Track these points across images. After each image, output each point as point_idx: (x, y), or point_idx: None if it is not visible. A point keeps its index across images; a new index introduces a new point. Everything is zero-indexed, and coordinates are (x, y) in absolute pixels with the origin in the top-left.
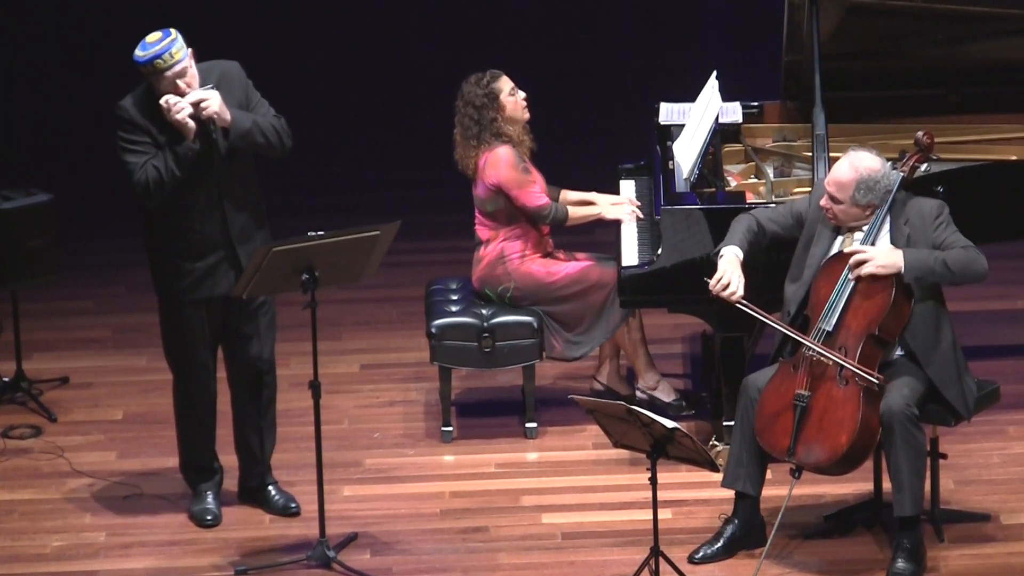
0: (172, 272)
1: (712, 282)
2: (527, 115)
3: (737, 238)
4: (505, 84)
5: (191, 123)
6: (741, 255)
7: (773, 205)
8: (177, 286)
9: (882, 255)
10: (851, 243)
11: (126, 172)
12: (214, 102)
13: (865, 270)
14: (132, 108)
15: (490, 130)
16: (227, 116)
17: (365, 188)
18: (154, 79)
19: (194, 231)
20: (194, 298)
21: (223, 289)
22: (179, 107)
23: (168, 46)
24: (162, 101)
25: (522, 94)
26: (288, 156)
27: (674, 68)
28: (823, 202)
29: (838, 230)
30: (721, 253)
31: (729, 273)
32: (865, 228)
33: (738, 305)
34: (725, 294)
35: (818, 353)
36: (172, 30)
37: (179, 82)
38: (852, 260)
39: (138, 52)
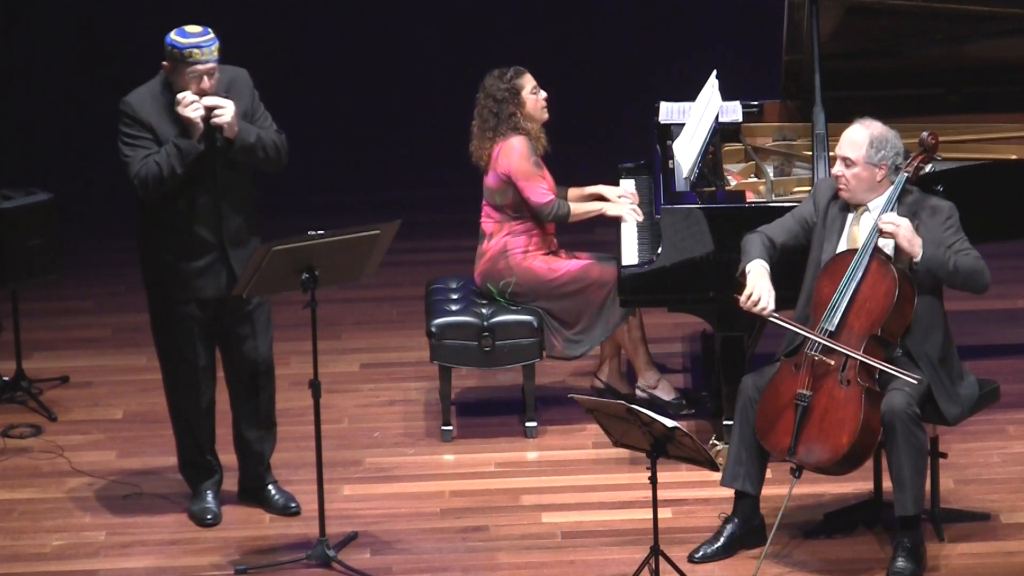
0: (163, 270)
1: (743, 298)
2: (546, 115)
3: (757, 252)
4: (528, 81)
5: (200, 123)
6: (768, 267)
7: (774, 210)
8: (166, 285)
9: (912, 233)
10: (859, 223)
11: (124, 165)
12: (228, 113)
13: (898, 232)
14: (137, 103)
15: (508, 124)
16: (235, 128)
17: (365, 188)
18: (180, 68)
19: (189, 232)
20: (182, 297)
21: (213, 291)
22: (195, 106)
23: (208, 42)
24: (180, 96)
25: (543, 94)
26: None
27: (674, 68)
28: (835, 171)
29: (847, 208)
30: (748, 269)
31: (759, 288)
32: (872, 204)
33: (770, 319)
34: (756, 309)
35: (864, 360)
36: (209, 29)
37: (205, 79)
38: (888, 217)
39: (175, 37)
